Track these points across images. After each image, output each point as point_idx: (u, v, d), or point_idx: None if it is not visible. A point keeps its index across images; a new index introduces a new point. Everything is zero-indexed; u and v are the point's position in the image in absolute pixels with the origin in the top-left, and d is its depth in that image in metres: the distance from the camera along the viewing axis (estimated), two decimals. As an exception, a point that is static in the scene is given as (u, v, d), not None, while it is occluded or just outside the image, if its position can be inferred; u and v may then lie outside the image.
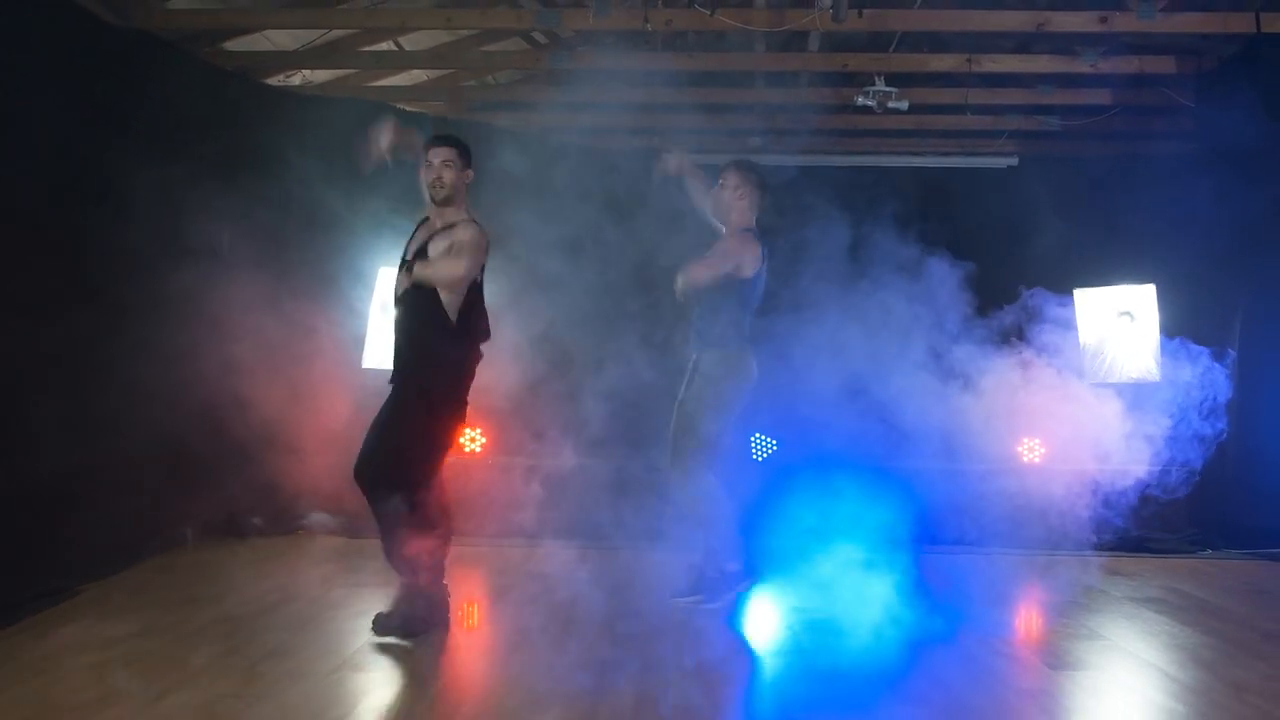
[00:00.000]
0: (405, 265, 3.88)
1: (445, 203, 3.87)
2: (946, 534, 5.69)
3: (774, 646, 3.85)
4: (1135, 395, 6.10)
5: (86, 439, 4.64)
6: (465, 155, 3.93)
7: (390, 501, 3.68)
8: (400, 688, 3.27)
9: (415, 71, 7.45)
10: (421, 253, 3.84)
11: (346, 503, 6.05)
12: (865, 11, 5.35)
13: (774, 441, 6.31)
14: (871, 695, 3.20)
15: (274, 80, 6.72)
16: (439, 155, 3.86)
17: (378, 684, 3.27)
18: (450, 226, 3.85)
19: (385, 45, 6.86)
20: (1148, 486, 6.02)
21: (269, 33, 6.39)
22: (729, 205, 4.49)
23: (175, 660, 3.39)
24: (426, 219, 4.00)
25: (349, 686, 3.22)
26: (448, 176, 3.85)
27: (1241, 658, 3.64)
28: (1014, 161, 7.66)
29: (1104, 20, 5.56)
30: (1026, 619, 4.55)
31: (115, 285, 4.96)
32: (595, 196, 6.31)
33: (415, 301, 3.81)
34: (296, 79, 7.00)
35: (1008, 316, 6.46)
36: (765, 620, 4.28)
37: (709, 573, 4.37)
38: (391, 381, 3.88)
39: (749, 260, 4.40)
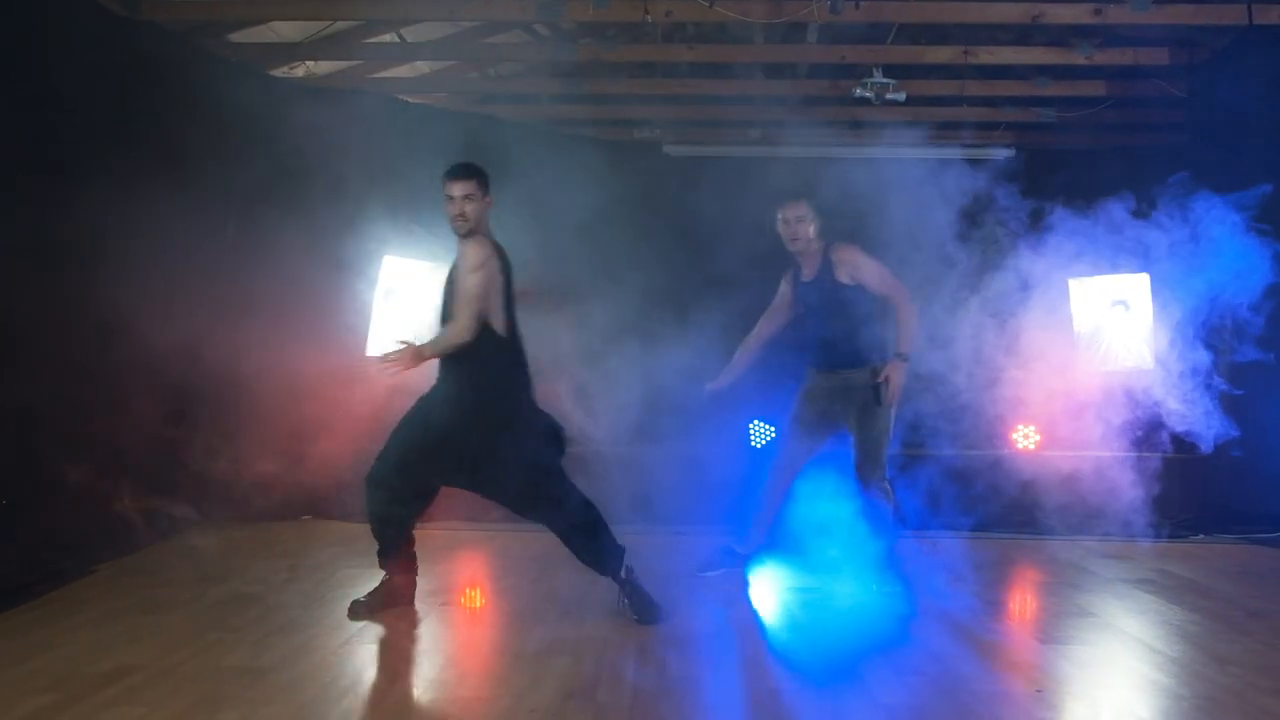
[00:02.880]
0: (441, 311, 3.81)
1: (469, 235, 3.70)
2: (944, 518, 5.76)
3: (770, 622, 3.95)
4: (1131, 381, 6.20)
5: (99, 424, 4.74)
6: (485, 184, 3.76)
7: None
8: (406, 661, 3.36)
9: (419, 64, 7.52)
10: (449, 292, 3.76)
11: (351, 489, 6.18)
12: (862, 3, 5.42)
13: (772, 428, 6.39)
14: (865, 666, 3.28)
15: (278, 72, 6.80)
16: (459, 189, 3.69)
17: (385, 657, 3.36)
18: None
19: (388, 37, 6.93)
20: (1141, 471, 6.11)
21: (274, 24, 6.46)
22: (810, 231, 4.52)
23: (187, 634, 3.48)
24: None
25: (357, 660, 3.31)
26: (470, 210, 3.69)
27: (1226, 633, 3.72)
28: (1010, 153, 7.73)
29: (1098, 12, 5.64)
30: (1018, 598, 4.64)
31: (123, 274, 5.04)
32: (599, 188, 6.40)
33: None
34: (300, 71, 7.07)
35: (1003, 304, 6.54)
36: (763, 597, 4.38)
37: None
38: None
39: None
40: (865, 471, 4.47)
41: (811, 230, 4.48)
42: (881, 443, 4.45)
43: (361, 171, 6.22)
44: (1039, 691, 3.05)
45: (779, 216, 4.52)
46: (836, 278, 4.45)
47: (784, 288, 4.72)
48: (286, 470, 5.92)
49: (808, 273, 4.55)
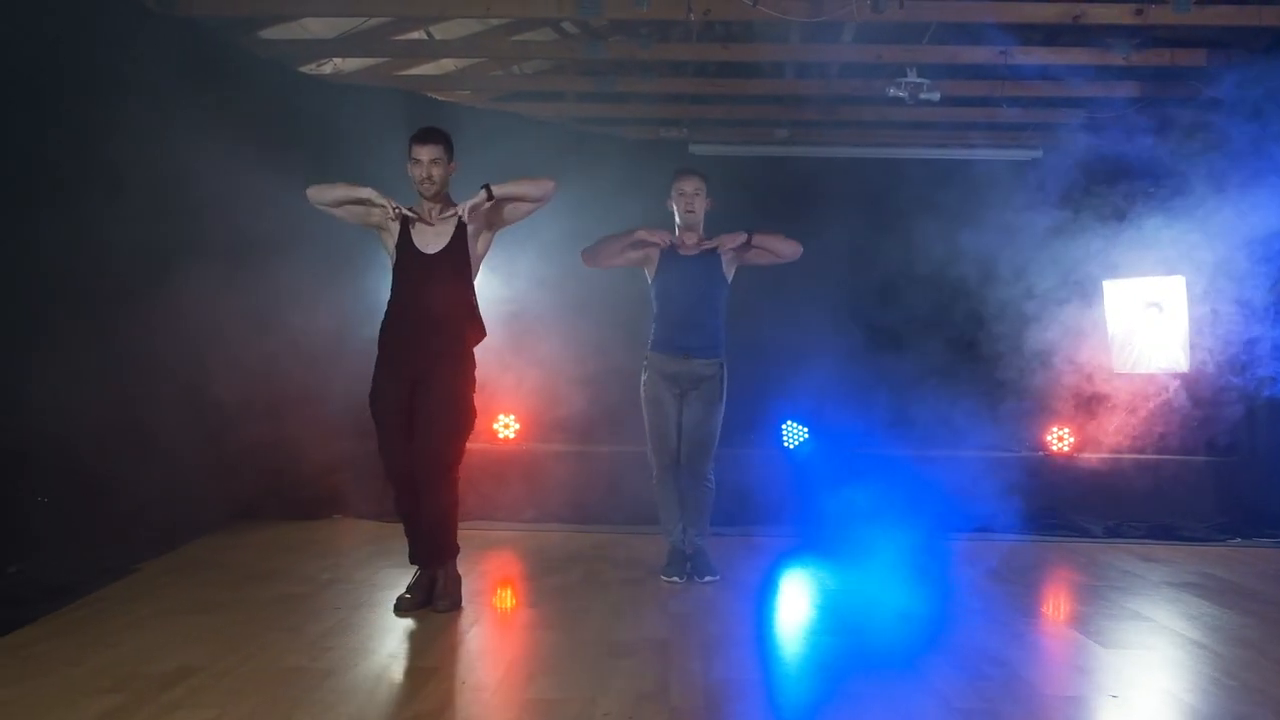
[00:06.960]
0: (427, 259, 3.91)
1: (435, 198, 3.92)
2: (980, 520, 5.73)
3: (815, 622, 3.92)
4: (1165, 383, 6.18)
5: (137, 423, 4.71)
6: (451, 148, 3.93)
7: (451, 483, 3.83)
8: (468, 663, 3.32)
9: (444, 61, 7.48)
10: (457, 244, 3.92)
11: (380, 489, 6.13)
12: (906, 2, 5.37)
13: (805, 429, 6.36)
14: (930, 668, 3.25)
15: (306, 69, 6.76)
16: (427, 153, 3.87)
17: (445, 658, 3.32)
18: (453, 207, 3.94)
19: (417, 34, 6.89)
20: (1176, 474, 6.09)
21: (305, 21, 6.42)
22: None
23: (243, 635, 3.44)
24: (413, 218, 3.95)
25: (416, 662, 3.27)
26: (437, 173, 3.87)
27: (1283, 637, 3.71)
28: (1038, 154, 7.70)
29: (1140, 13, 5.60)
30: (1065, 601, 4.60)
31: (153, 272, 4.99)
32: (622, 187, 6.35)
33: (451, 295, 3.92)
34: (328, 68, 7.03)
35: (1035, 308, 6.52)
36: (801, 597, 4.35)
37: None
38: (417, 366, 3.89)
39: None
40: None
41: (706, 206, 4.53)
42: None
43: (383, 167, 6.16)
44: (1114, 697, 3.02)
45: (675, 189, 4.50)
46: (724, 262, 4.52)
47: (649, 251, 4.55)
48: (315, 469, 5.89)
49: (691, 246, 4.51)
